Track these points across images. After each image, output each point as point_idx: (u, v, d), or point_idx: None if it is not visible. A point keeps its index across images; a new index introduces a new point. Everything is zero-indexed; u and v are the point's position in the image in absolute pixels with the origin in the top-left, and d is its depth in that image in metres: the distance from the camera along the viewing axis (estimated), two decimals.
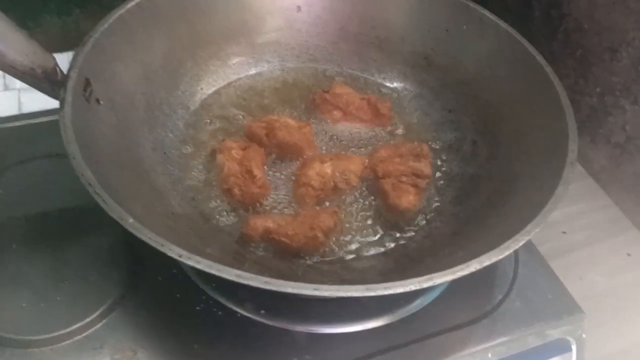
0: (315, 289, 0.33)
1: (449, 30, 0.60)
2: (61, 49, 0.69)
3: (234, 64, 0.63)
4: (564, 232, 0.60)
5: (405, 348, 0.46)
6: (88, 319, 0.44)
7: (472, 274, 0.35)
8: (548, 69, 0.52)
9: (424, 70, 0.63)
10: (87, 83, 0.47)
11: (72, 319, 0.44)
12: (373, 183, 0.52)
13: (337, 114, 0.58)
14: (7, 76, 0.44)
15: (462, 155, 0.56)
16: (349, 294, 0.33)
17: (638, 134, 0.61)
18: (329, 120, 0.58)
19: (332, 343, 0.45)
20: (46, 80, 0.44)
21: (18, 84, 0.45)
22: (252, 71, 0.63)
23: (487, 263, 0.35)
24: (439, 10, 0.60)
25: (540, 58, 0.53)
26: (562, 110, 0.48)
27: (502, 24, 0.56)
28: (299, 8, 0.64)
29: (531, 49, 0.54)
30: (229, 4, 0.60)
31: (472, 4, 0.58)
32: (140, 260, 0.49)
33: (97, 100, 0.47)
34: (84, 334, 0.44)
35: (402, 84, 0.64)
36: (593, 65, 0.65)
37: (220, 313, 0.47)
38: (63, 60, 0.45)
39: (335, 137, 0.57)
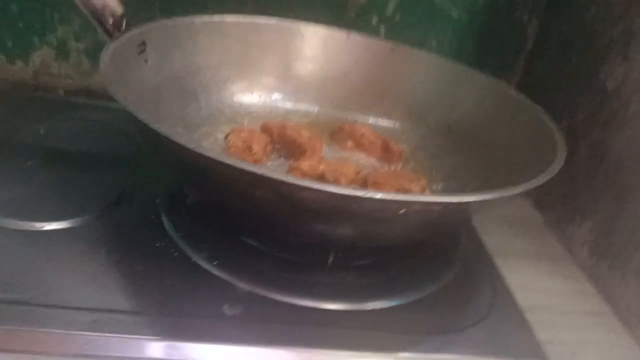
0: None
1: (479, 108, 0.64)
2: None
3: (274, 98, 0.69)
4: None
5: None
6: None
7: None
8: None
9: (444, 137, 0.66)
10: (143, 43, 0.55)
11: None
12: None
13: (350, 143, 0.61)
14: None
15: None
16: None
17: None
18: (340, 147, 0.62)
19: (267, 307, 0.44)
20: (112, 26, 0.53)
21: None
22: (288, 107, 0.70)
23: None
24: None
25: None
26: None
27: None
28: (346, 74, 0.72)
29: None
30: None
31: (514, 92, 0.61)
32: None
33: (146, 60, 0.55)
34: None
35: (420, 145, 0.66)
36: (628, 202, 0.63)
37: (176, 254, 0.47)
38: None
39: (341, 158, 0.60)
